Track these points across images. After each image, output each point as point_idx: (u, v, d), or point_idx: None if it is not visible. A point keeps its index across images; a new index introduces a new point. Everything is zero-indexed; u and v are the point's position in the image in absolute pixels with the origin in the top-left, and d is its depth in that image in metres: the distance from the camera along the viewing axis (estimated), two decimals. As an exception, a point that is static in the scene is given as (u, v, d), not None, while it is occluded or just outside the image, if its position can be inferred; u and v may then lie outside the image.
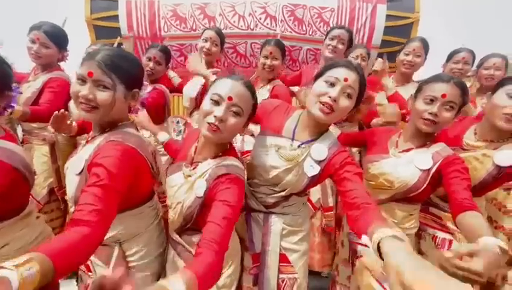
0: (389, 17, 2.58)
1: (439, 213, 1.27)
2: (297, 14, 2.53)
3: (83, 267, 0.94)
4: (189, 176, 0.92)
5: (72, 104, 1.48)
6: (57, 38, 1.80)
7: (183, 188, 0.92)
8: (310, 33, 2.57)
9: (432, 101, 1.05)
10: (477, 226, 0.82)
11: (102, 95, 0.81)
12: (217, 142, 0.93)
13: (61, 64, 1.98)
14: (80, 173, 0.81)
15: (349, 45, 2.14)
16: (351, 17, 2.56)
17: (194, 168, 0.94)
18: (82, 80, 0.81)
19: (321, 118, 0.96)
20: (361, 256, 1.17)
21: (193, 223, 0.91)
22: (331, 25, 2.55)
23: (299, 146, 1.02)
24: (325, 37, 2.18)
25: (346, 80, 0.92)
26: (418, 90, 1.12)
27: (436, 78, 1.08)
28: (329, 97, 0.92)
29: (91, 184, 0.71)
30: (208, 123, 0.85)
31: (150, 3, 2.54)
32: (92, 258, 0.87)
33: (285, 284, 1.06)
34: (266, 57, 2.00)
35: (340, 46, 2.07)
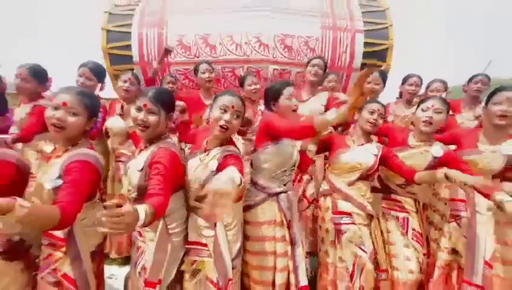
0: (366, 44, 3.01)
1: (399, 198, 1.63)
2: (287, 43, 2.94)
3: (135, 233, 1.30)
4: (203, 160, 1.30)
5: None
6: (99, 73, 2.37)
7: (200, 168, 1.28)
8: (299, 58, 2.97)
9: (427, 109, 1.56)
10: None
11: (152, 118, 1.19)
12: (223, 138, 1.33)
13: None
14: (141, 169, 1.19)
15: (325, 70, 2.55)
16: (333, 44, 2.98)
17: (207, 154, 1.32)
18: (139, 109, 1.21)
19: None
20: (345, 232, 1.48)
21: None
22: (317, 52, 2.97)
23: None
24: (307, 65, 2.57)
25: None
26: (420, 103, 1.61)
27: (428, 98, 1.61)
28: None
29: (155, 174, 1.08)
30: (220, 126, 1.24)
31: (159, 34, 2.94)
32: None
33: None
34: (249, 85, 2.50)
35: (320, 71, 2.48)
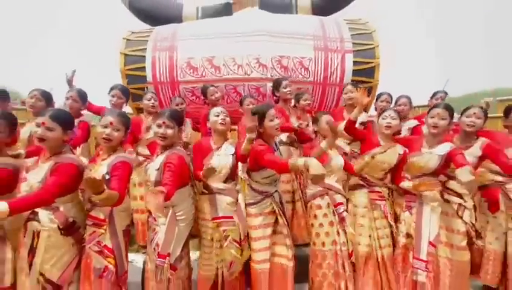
0: (355, 62, 3.36)
1: (379, 189, 1.98)
2: (283, 63, 3.31)
3: (151, 219, 1.68)
4: (219, 154, 1.80)
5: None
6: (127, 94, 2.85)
7: (219, 159, 1.78)
8: (293, 77, 3.32)
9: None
10: None
11: (169, 132, 1.60)
12: (225, 134, 1.82)
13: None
14: (158, 169, 1.62)
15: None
16: (325, 63, 3.34)
17: (219, 149, 1.84)
18: (159, 126, 1.62)
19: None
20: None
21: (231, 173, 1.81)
22: (310, 70, 3.33)
23: None
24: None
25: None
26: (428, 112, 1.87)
27: (435, 107, 1.85)
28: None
29: (167, 171, 1.52)
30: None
31: (170, 57, 3.36)
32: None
33: None
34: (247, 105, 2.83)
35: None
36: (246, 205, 1.82)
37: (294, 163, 1.38)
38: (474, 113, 1.90)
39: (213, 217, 1.77)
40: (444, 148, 1.76)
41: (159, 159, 1.64)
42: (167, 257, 1.54)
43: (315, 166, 1.29)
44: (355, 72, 3.37)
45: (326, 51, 3.37)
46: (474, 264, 1.89)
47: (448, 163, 1.75)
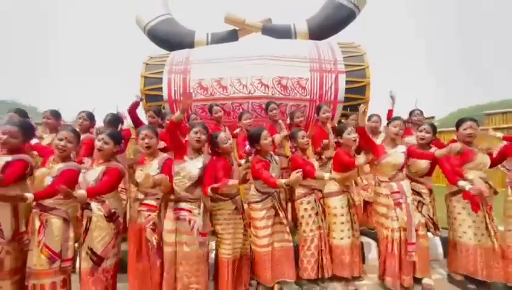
0: (348, 82, 3.79)
1: None
2: (282, 83, 3.78)
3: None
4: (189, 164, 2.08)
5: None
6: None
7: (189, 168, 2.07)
8: (292, 95, 3.78)
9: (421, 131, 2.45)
10: None
11: (106, 146, 1.99)
12: (199, 149, 2.11)
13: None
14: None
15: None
16: (320, 83, 3.79)
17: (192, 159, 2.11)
18: (98, 140, 1.99)
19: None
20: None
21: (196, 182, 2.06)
22: (307, 89, 3.78)
23: None
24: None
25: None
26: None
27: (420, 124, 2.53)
28: None
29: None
30: (195, 140, 2.01)
31: (183, 79, 3.87)
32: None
33: None
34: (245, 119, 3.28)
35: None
36: (252, 202, 2.25)
37: (279, 183, 1.92)
38: (424, 129, 2.47)
39: None
40: (402, 148, 2.29)
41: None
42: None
43: (292, 182, 1.84)
44: (348, 90, 3.80)
45: (321, 72, 3.82)
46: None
47: (407, 158, 2.28)
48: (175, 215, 1.97)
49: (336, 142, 2.54)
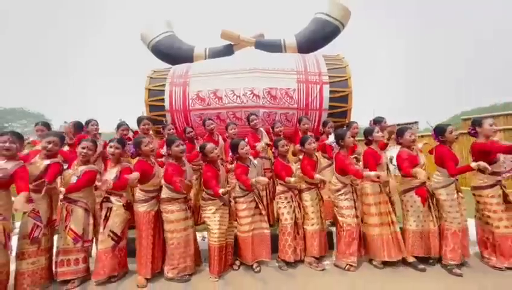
0: (332, 91, 4.27)
1: None
2: (272, 93, 4.28)
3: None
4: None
5: None
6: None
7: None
8: (281, 104, 4.28)
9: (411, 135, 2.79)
10: None
11: (90, 152, 2.59)
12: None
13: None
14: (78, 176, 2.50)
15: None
16: (306, 93, 4.28)
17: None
18: (82, 148, 2.55)
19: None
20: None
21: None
22: (294, 99, 4.26)
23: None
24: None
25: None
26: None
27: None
28: None
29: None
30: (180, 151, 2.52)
31: (183, 91, 4.42)
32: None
33: None
34: (231, 129, 3.72)
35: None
36: (236, 197, 2.76)
37: (251, 183, 2.44)
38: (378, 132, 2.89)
39: None
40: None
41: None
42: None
43: (261, 181, 2.37)
44: (332, 99, 4.28)
45: (307, 83, 4.32)
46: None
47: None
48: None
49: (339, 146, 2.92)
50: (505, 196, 2.61)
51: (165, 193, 2.50)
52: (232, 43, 5.16)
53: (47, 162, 2.35)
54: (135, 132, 3.88)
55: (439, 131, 2.70)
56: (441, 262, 2.66)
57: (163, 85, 4.52)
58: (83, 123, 3.57)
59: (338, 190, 2.77)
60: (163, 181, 2.53)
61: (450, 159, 2.54)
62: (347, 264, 2.64)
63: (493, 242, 2.61)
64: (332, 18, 4.83)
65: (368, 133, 2.89)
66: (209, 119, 3.97)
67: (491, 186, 2.60)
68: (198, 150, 3.10)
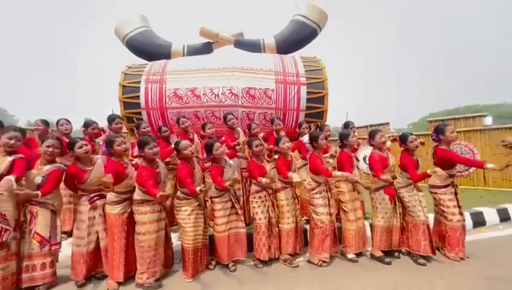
0: (309, 92, 4.38)
1: None
2: (251, 93, 4.31)
3: None
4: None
5: None
6: None
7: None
8: (259, 104, 4.33)
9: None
10: None
11: (57, 151, 2.48)
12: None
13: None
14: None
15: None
16: (284, 94, 4.36)
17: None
18: (47, 146, 2.43)
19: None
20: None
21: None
22: (273, 99, 4.33)
23: None
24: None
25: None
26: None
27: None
28: None
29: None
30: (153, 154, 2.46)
31: (160, 88, 4.32)
32: None
33: None
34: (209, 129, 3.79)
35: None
36: (212, 197, 2.75)
37: (225, 185, 2.44)
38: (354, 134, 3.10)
39: None
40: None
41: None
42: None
43: (233, 182, 2.39)
44: (308, 100, 4.40)
45: (285, 84, 4.39)
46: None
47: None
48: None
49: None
50: (456, 193, 2.90)
51: (137, 195, 2.40)
52: (211, 41, 5.12)
53: (10, 158, 2.21)
54: (100, 130, 3.71)
55: (403, 139, 2.91)
56: (409, 254, 2.89)
57: (139, 82, 4.39)
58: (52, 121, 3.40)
59: (312, 189, 2.87)
60: (135, 183, 2.44)
61: (412, 167, 2.75)
62: (320, 260, 2.74)
63: (444, 233, 2.88)
64: (310, 20, 4.96)
65: (343, 137, 3.00)
66: (183, 117, 3.89)
67: (445, 186, 2.87)
68: (172, 148, 3.06)
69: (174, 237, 2.93)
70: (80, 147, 2.39)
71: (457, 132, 5.86)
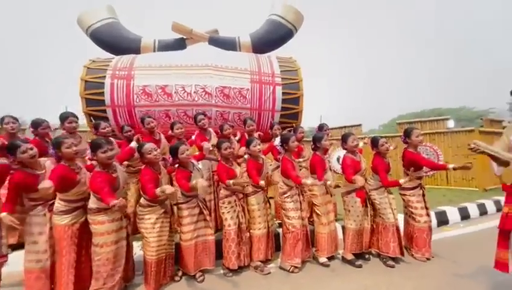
0: (284, 93, 4.30)
1: None
2: (225, 92, 4.15)
3: None
4: None
5: None
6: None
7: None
8: (234, 103, 4.17)
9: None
10: None
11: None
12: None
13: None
14: None
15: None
16: (260, 93, 4.24)
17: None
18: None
19: None
20: None
21: None
22: (248, 98, 4.20)
23: None
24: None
25: None
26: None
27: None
28: None
29: None
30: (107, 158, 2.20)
31: (127, 85, 4.01)
32: None
33: None
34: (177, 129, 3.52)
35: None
36: (179, 203, 2.54)
37: (191, 186, 2.25)
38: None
39: None
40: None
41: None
42: None
43: (200, 185, 2.16)
44: (284, 101, 4.31)
45: (261, 84, 4.28)
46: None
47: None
48: None
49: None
50: (423, 195, 2.98)
51: (93, 203, 2.12)
52: (185, 37, 4.88)
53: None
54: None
55: (374, 143, 2.92)
56: (379, 256, 2.91)
57: (103, 77, 4.04)
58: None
59: (284, 193, 2.77)
60: (89, 189, 2.17)
61: (382, 170, 2.77)
62: (291, 266, 2.66)
63: (412, 234, 2.94)
64: (286, 21, 4.88)
65: (316, 139, 2.95)
66: (148, 117, 3.55)
67: (414, 188, 2.93)
68: (130, 148, 2.79)
69: (136, 245, 2.70)
70: (24, 152, 2.04)
71: (424, 134, 6.13)
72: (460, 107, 23.74)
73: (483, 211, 4.68)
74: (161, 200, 2.37)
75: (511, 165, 1.75)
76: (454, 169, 2.58)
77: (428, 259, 2.83)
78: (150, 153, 2.33)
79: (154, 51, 4.73)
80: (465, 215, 4.45)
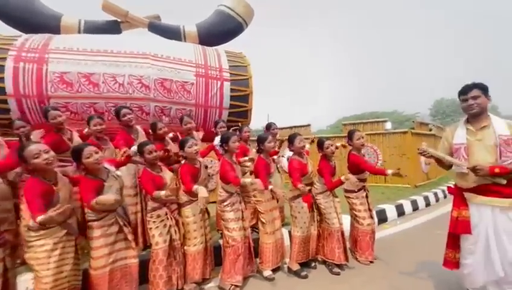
0: (232, 90, 3.96)
1: None
2: (165, 85, 3.62)
3: None
4: None
5: None
6: None
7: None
8: (177, 98, 3.68)
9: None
10: None
11: None
12: None
13: None
14: None
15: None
16: (206, 89, 3.83)
17: None
18: None
19: None
20: None
21: None
22: (192, 93, 3.74)
23: None
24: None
25: None
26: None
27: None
28: None
29: None
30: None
31: (38, 69, 3.20)
32: None
33: None
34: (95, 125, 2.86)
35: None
36: (89, 220, 1.96)
37: (96, 202, 1.80)
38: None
39: None
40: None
41: None
42: None
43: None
44: (232, 98, 3.97)
45: (207, 78, 3.86)
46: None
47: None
48: None
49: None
50: (367, 197, 2.96)
51: None
52: (119, 20, 4.18)
53: None
54: None
55: (319, 145, 2.79)
56: (324, 263, 2.77)
57: (3, 59, 3.16)
58: None
59: (223, 201, 2.42)
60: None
61: (327, 173, 2.65)
62: (231, 285, 2.34)
63: (356, 237, 2.90)
64: (235, 13, 4.53)
65: (260, 141, 2.67)
66: (55, 109, 2.79)
67: (358, 190, 2.89)
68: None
69: (23, 280, 2.05)
70: None
71: (366, 134, 6.42)
72: (393, 111, 26.71)
73: (415, 207, 5.06)
74: (63, 220, 1.78)
75: (463, 168, 1.76)
76: (393, 175, 2.60)
77: (371, 262, 2.80)
78: (36, 157, 1.69)
79: (79, 32, 3.94)
80: (401, 212, 4.72)
